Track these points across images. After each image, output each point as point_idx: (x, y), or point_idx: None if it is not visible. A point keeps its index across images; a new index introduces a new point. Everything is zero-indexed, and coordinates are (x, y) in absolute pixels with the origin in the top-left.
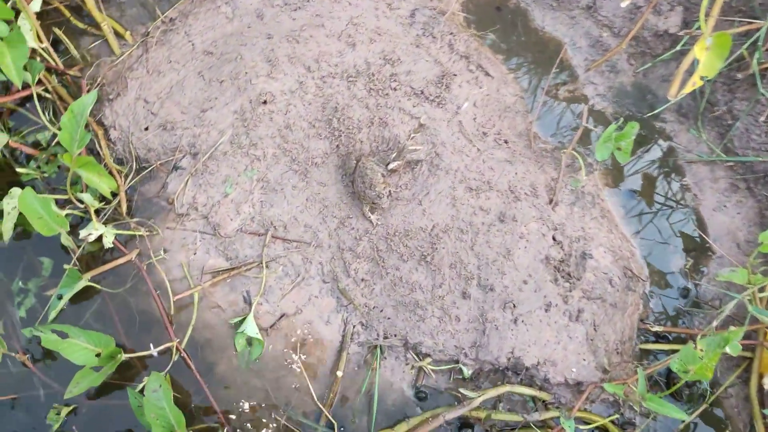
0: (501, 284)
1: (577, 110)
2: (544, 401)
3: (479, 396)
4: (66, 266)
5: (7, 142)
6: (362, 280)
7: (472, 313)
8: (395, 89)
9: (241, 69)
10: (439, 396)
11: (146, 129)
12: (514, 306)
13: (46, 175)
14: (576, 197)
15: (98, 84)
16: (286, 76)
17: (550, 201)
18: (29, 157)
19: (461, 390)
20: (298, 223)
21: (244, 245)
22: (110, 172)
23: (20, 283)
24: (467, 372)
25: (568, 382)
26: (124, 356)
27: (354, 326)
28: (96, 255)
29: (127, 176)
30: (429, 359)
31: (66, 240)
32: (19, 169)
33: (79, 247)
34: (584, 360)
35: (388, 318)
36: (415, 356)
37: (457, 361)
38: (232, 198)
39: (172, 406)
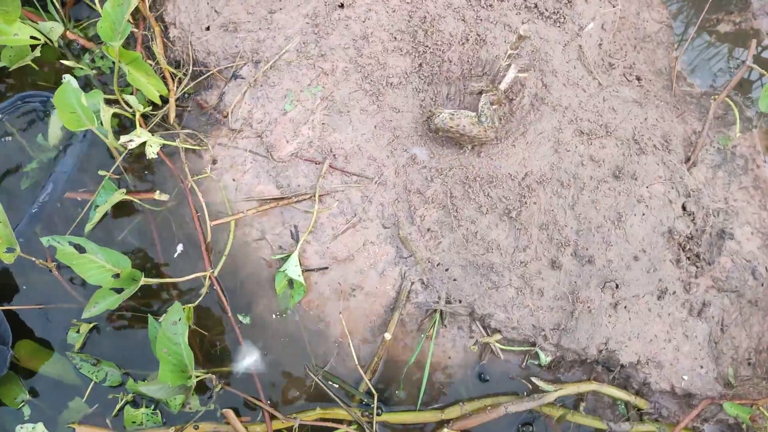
0: (604, 257)
1: (740, 48)
2: (639, 409)
3: (556, 390)
4: (102, 172)
5: (64, 32)
6: (428, 230)
7: (560, 288)
8: None
9: None
10: (506, 382)
11: (207, 29)
12: (617, 286)
13: (99, 71)
14: (723, 159)
15: None
16: None
17: (687, 159)
18: (85, 51)
19: (534, 379)
20: (361, 153)
21: (297, 173)
22: (162, 75)
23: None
24: (544, 358)
25: (676, 391)
26: (144, 280)
27: (412, 283)
28: (143, 167)
29: (180, 81)
30: (498, 336)
31: (111, 143)
32: (65, 62)
33: (121, 154)
34: (702, 367)
35: (455, 280)
36: (482, 330)
37: (533, 344)
38: (291, 116)
39: (187, 343)
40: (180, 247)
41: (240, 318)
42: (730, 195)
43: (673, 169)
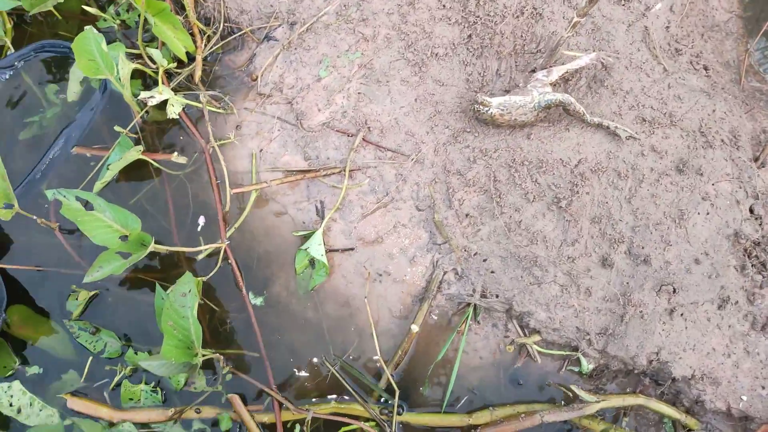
0: (661, 258)
1: None
2: (688, 430)
3: (598, 402)
4: (118, 128)
5: None
6: (467, 215)
7: (610, 289)
8: None
9: None
10: (542, 388)
11: None
12: (674, 291)
13: (123, 25)
14: None
15: None
16: None
17: (756, 158)
18: (111, 2)
19: (574, 388)
20: (398, 127)
21: (328, 144)
22: (190, 31)
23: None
24: (587, 366)
25: (732, 412)
26: (154, 246)
27: (445, 272)
28: (162, 128)
29: (209, 39)
30: (537, 337)
31: (129, 98)
32: (88, 8)
33: (141, 111)
34: (763, 388)
35: (492, 272)
36: (519, 329)
37: (576, 348)
38: (325, 83)
39: (196, 317)
40: (202, 220)
41: (252, 298)
42: None
43: (741, 167)
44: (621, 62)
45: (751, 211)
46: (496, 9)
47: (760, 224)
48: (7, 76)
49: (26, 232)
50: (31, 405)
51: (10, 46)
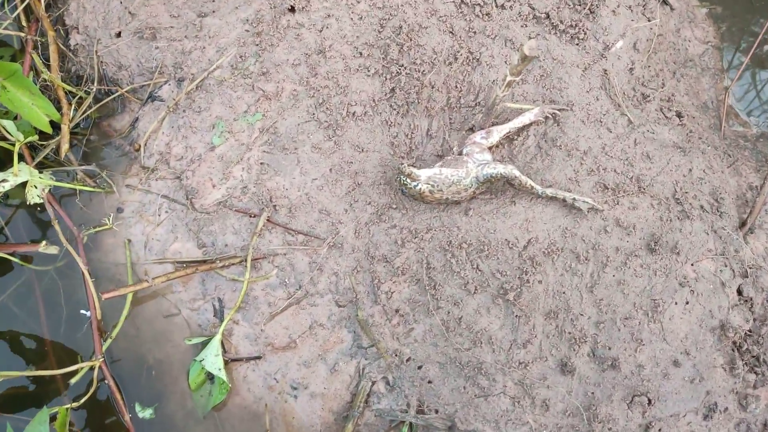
0: (632, 361)
1: None
2: None
3: None
4: None
5: None
6: (397, 311)
7: (571, 401)
8: (504, 6)
9: None
10: None
11: (118, 35)
12: (649, 402)
13: None
14: None
15: None
16: None
17: (742, 224)
18: None
19: None
20: (311, 205)
21: (225, 228)
22: (55, 96)
23: None
24: None
25: None
26: (2, 374)
27: (374, 383)
28: (31, 213)
29: (81, 102)
30: None
31: None
32: None
33: None
34: None
35: (430, 382)
36: None
37: None
38: (220, 153)
39: None
40: (86, 312)
41: (139, 411)
42: None
43: (726, 239)
44: (576, 115)
45: (740, 292)
46: (423, 55)
47: (751, 308)
48: None
49: None
50: None
51: None
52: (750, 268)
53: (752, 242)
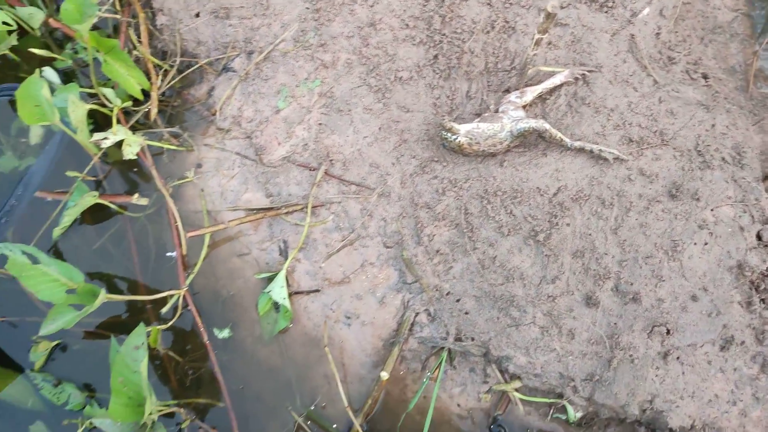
0: (653, 295)
1: None
2: None
3: None
4: (71, 173)
5: (45, 19)
6: (438, 252)
7: (595, 331)
8: None
9: None
10: None
11: (197, 15)
12: (668, 332)
13: (81, 63)
14: None
15: None
16: None
17: (765, 178)
18: (69, 40)
19: None
20: (362, 159)
21: (289, 180)
22: (146, 67)
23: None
24: (573, 414)
25: None
26: (107, 296)
27: (417, 314)
28: (124, 168)
29: (166, 74)
30: (518, 383)
31: (83, 141)
32: (38, 51)
33: (97, 152)
34: None
35: (467, 313)
36: (498, 374)
37: (561, 395)
38: (284, 115)
39: (146, 373)
40: (172, 254)
41: (217, 333)
42: None
43: (746, 188)
44: (605, 76)
45: (759, 237)
46: (463, 25)
47: None
48: None
49: None
50: None
51: None
52: None
53: None
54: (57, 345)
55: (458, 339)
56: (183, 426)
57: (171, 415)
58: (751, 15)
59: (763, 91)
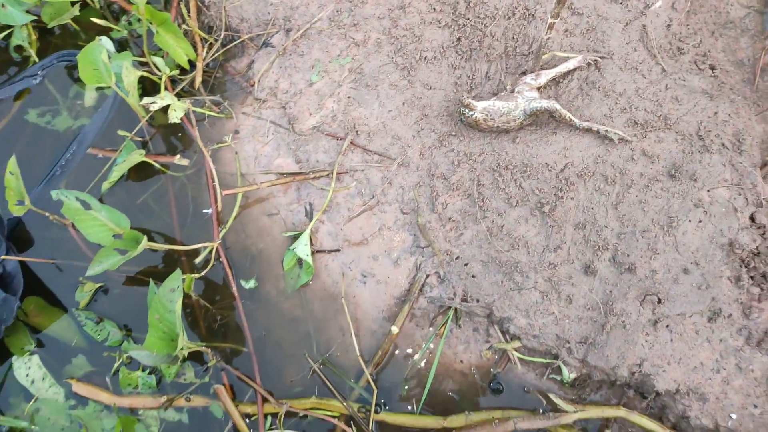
0: (647, 266)
1: None
2: None
3: (575, 412)
4: (121, 132)
5: None
6: (450, 219)
7: (592, 297)
8: None
9: None
10: (521, 395)
11: None
12: (659, 301)
13: (135, 34)
14: None
15: None
16: None
17: (763, 164)
18: (124, 13)
19: (552, 396)
20: (386, 131)
21: (318, 148)
22: (193, 39)
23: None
24: (567, 375)
25: (720, 430)
26: (148, 244)
27: (428, 276)
28: (168, 131)
29: (211, 47)
30: (518, 343)
31: (134, 104)
32: (97, 21)
33: (146, 115)
34: (755, 407)
35: (473, 276)
36: (500, 334)
37: (556, 356)
38: (317, 88)
39: (180, 312)
40: (208, 210)
41: (243, 283)
42: None
43: (743, 172)
44: (615, 63)
45: (752, 219)
46: (486, 11)
47: (762, 234)
48: (37, 81)
49: (44, 227)
50: (43, 379)
51: (35, 56)
52: (766, 200)
53: None
54: (100, 287)
55: (464, 300)
56: (209, 365)
57: (199, 356)
58: (762, 12)
59: None
